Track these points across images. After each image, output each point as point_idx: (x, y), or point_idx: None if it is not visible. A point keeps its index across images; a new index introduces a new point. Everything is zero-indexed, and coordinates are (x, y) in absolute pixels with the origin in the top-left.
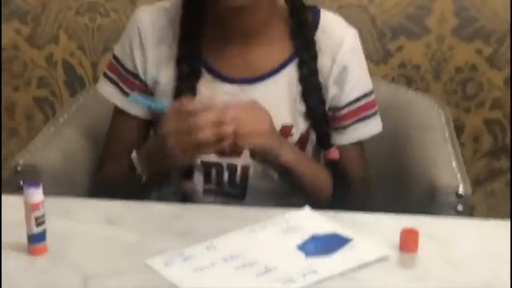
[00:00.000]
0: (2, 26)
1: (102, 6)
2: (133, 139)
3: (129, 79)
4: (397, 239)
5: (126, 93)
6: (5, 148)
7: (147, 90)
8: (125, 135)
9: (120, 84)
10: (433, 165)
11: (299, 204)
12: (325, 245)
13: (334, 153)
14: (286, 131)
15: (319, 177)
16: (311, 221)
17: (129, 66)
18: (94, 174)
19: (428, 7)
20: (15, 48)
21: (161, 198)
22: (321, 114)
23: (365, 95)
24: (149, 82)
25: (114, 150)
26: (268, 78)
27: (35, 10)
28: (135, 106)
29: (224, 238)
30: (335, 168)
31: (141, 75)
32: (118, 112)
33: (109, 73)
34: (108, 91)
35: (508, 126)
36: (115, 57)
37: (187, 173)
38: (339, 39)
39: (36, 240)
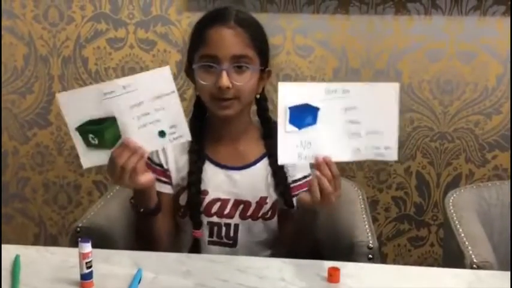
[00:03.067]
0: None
1: None
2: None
3: (155, 168)
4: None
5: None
6: (72, 215)
7: (168, 175)
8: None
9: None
10: (353, 227)
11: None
12: None
13: None
14: (262, 200)
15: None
16: None
17: (155, 160)
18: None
19: None
20: None
21: (179, 244)
22: (284, 186)
23: (304, 177)
24: (170, 170)
25: None
26: (250, 167)
27: None
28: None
29: None
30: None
31: (164, 165)
32: None
33: None
34: None
35: (408, 201)
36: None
37: (196, 226)
38: None
39: (86, 278)
